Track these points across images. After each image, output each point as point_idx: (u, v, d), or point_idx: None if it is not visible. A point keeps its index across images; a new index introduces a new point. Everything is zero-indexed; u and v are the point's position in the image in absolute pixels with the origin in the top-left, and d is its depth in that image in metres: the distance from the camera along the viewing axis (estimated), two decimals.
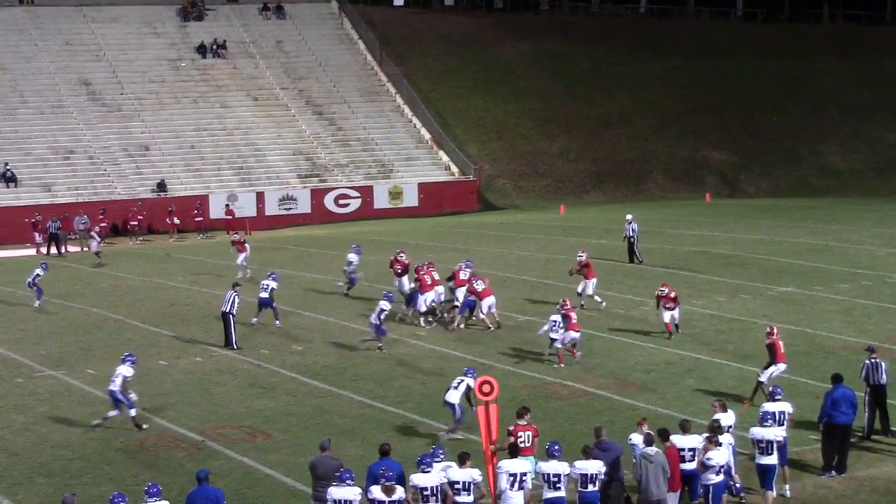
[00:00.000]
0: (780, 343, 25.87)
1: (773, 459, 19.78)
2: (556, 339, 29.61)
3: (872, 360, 23.50)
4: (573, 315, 29.90)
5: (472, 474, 18.28)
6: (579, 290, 36.39)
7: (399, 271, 37.79)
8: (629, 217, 45.31)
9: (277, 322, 35.03)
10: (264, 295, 34.86)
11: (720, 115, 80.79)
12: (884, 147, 79.70)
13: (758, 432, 20.00)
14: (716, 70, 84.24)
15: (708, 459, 19.01)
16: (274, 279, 35.52)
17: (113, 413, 25.37)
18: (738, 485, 19.70)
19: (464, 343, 32.55)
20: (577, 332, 29.90)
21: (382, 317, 31.41)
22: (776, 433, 20.03)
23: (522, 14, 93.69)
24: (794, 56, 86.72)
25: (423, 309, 34.73)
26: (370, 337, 32.08)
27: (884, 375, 23.41)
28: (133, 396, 25.45)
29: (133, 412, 25.25)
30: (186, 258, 51.28)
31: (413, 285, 35.93)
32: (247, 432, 25.00)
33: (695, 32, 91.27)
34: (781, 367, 25.78)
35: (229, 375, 29.83)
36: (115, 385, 25.25)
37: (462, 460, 18.37)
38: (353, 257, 40.06)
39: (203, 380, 29.54)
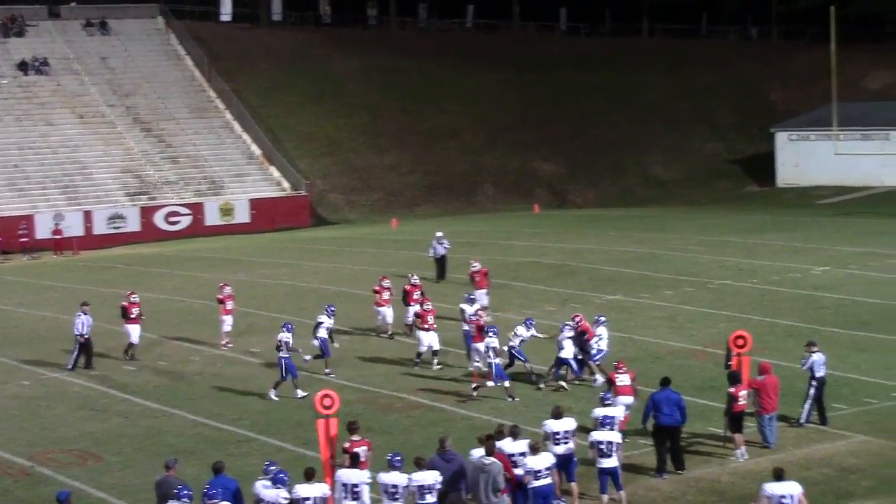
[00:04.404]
0: None
1: (614, 462, 20.33)
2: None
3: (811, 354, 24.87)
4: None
5: (322, 489, 18.34)
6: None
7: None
8: (440, 234, 44.45)
9: None
10: None
11: (548, 128, 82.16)
12: (703, 157, 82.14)
13: (600, 436, 20.51)
14: (543, 83, 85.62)
15: (524, 465, 19.41)
16: None
17: None
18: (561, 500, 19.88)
19: (295, 359, 32.47)
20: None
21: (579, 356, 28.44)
22: (617, 436, 20.63)
23: (351, 29, 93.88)
24: (618, 69, 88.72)
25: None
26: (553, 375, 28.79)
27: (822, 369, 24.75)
28: None
29: None
30: (12, 280, 50.10)
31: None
32: (77, 455, 24.58)
33: (521, 46, 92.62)
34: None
35: (59, 398, 29.28)
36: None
37: (308, 476, 18.39)
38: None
39: (31, 403, 28.94)
